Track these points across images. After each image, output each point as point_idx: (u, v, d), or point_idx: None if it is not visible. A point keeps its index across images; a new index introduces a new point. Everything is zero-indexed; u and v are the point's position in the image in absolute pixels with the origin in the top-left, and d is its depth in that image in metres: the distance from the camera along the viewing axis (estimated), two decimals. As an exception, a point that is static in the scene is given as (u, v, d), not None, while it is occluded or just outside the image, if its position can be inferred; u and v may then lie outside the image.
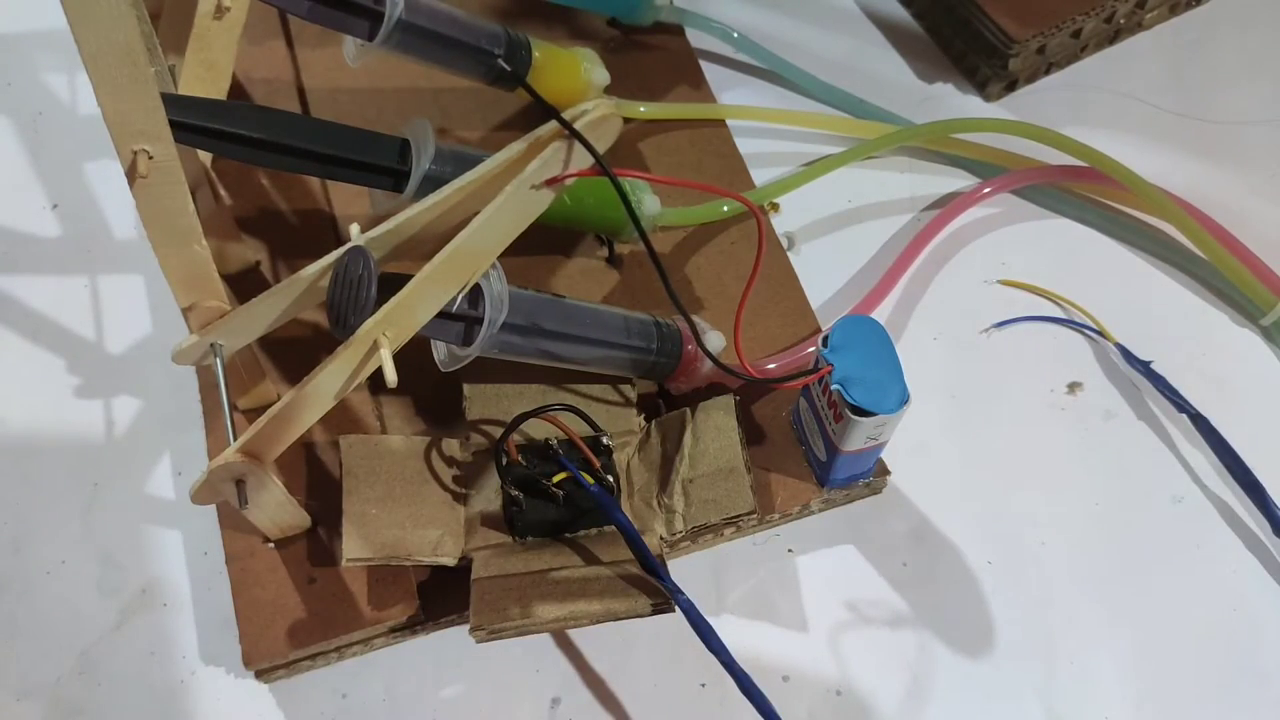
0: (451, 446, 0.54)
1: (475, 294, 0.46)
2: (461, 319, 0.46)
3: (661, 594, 0.48)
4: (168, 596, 0.55)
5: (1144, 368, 0.60)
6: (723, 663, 0.45)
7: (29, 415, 0.59)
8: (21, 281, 0.63)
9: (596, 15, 0.71)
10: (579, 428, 0.51)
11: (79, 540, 0.56)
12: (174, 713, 0.52)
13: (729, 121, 0.69)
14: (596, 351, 0.51)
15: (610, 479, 0.51)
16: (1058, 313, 0.63)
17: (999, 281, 0.64)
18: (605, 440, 0.52)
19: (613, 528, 0.51)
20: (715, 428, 0.53)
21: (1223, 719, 0.52)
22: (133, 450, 0.58)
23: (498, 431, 0.52)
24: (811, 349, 0.58)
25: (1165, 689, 0.53)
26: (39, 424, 0.59)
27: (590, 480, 0.49)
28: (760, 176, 0.66)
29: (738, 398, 0.54)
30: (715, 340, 0.54)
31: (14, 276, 0.63)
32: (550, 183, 0.42)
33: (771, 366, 0.57)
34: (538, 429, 0.52)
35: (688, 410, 0.54)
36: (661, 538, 0.52)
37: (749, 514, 0.51)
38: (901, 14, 0.76)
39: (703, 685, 0.53)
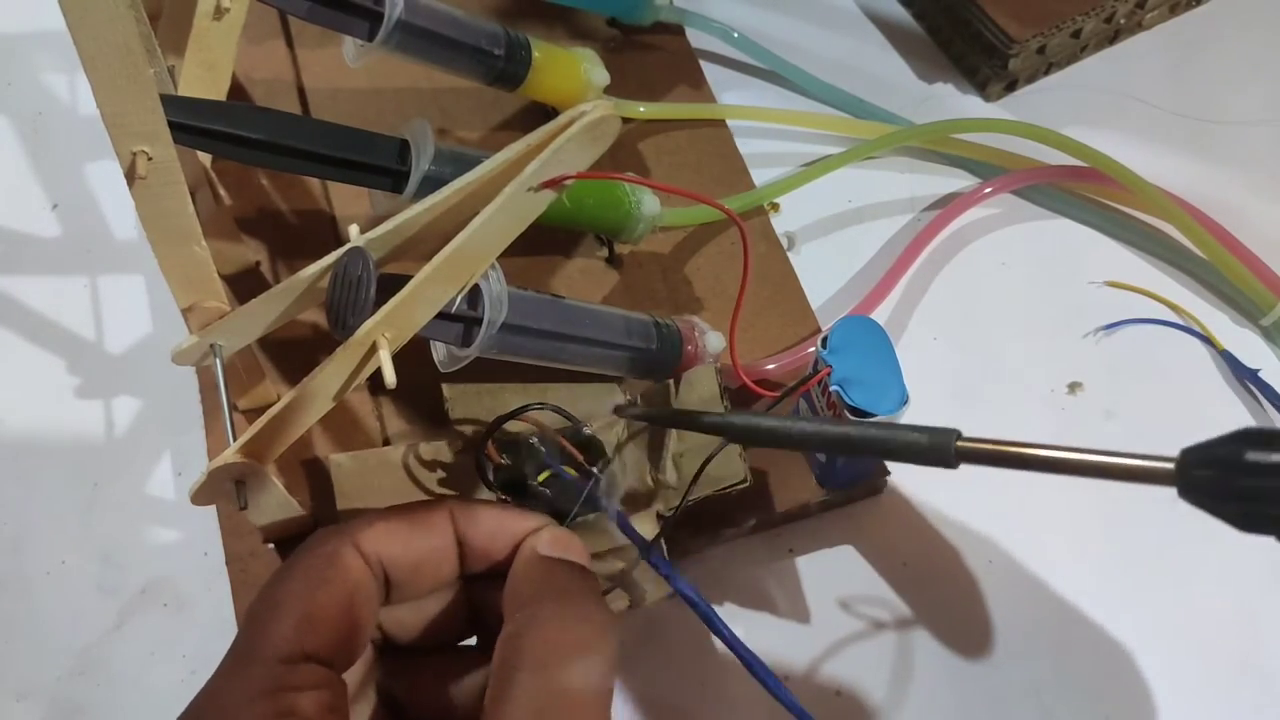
0: (440, 449, 0.53)
1: (474, 295, 0.46)
2: (460, 320, 0.46)
3: (663, 586, 0.48)
4: (167, 596, 0.55)
5: (1252, 375, 0.60)
6: (728, 644, 0.44)
7: (29, 415, 0.59)
8: (21, 281, 0.63)
9: (596, 15, 0.71)
10: (559, 424, 0.51)
11: (79, 540, 0.56)
12: (174, 713, 0.52)
13: (729, 121, 0.68)
14: (596, 352, 0.51)
15: (594, 469, 0.50)
16: (1169, 315, 0.63)
17: (1106, 283, 0.64)
18: (586, 430, 0.52)
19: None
20: (700, 400, 0.52)
21: None
22: (133, 450, 0.58)
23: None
24: (810, 349, 0.58)
25: (1167, 690, 0.53)
26: (39, 424, 0.59)
27: (572, 473, 0.49)
28: (761, 176, 0.66)
29: (719, 365, 0.53)
30: (714, 341, 0.54)
31: (14, 277, 0.63)
32: (547, 185, 0.42)
33: (770, 366, 0.57)
34: (522, 425, 0.52)
35: (670, 382, 0.53)
36: (659, 514, 0.51)
37: (741, 482, 0.50)
38: (901, 14, 0.76)
39: (703, 685, 0.53)
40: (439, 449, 0.53)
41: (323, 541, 0.37)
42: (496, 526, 0.40)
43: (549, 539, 0.40)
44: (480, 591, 0.41)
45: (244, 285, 0.56)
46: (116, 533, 0.56)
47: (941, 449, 0.35)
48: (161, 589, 0.55)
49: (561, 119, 0.43)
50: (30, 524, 0.57)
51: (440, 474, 0.53)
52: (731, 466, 0.51)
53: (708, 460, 0.47)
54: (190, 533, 0.56)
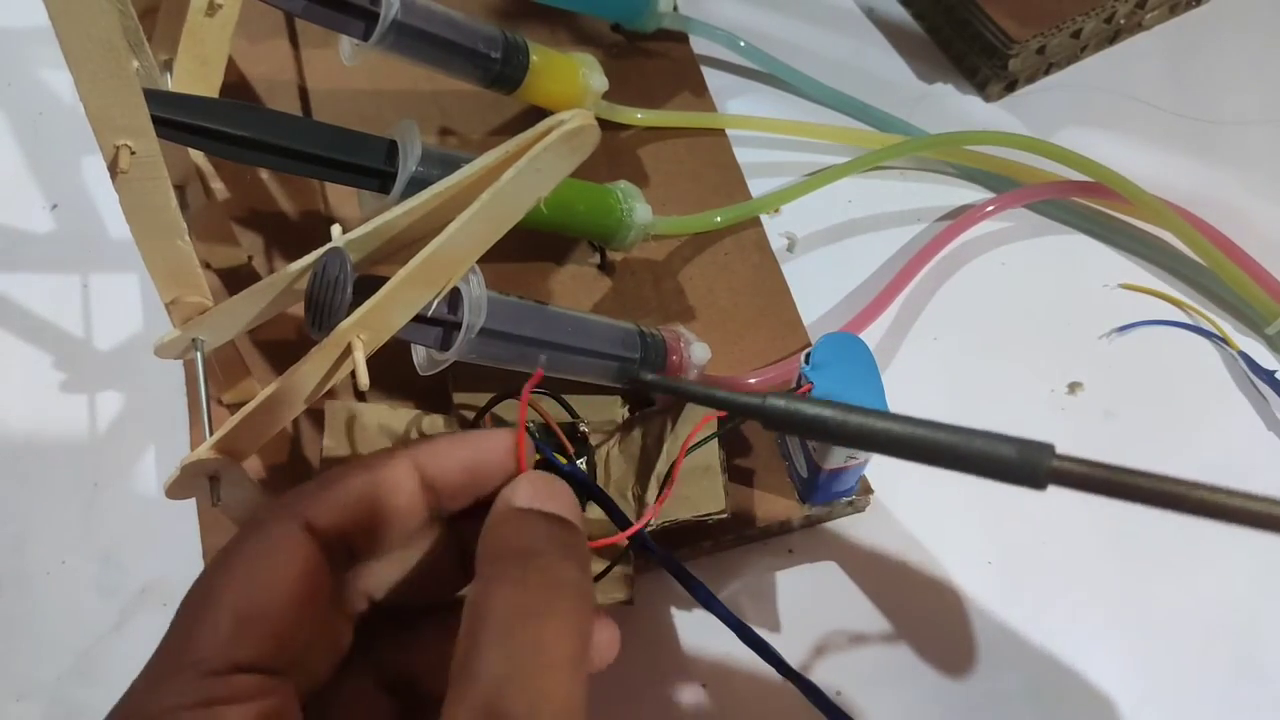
0: (436, 423, 0.53)
1: (454, 298, 0.46)
2: (439, 323, 0.46)
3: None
4: (168, 596, 0.55)
5: (1268, 376, 0.60)
6: (715, 613, 0.43)
7: (29, 415, 0.60)
8: (21, 281, 0.64)
9: (600, 20, 0.71)
10: (560, 416, 0.51)
11: (79, 540, 0.56)
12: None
13: (729, 130, 0.68)
14: (578, 359, 0.51)
15: (581, 463, 0.50)
16: (1180, 317, 0.63)
17: (1120, 285, 0.64)
18: (582, 428, 0.52)
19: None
20: (695, 426, 0.52)
21: (1223, 721, 0.52)
22: (133, 450, 0.59)
23: None
24: (795, 364, 0.58)
25: (1166, 691, 0.53)
26: (39, 424, 0.59)
27: (563, 460, 0.49)
28: (760, 186, 0.66)
29: (702, 374, 0.54)
30: (700, 352, 0.54)
31: (14, 276, 0.64)
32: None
33: (752, 380, 0.57)
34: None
35: (668, 417, 0.53)
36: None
37: (719, 513, 0.50)
38: (901, 14, 0.75)
39: (703, 685, 0.53)
40: (436, 423, 0.53)
41: (263, 523, 0.33)
42: (461, 452, 0.37)
43: (527, 491, 0.36)
44: (469, 531, 0.37)
45: (236, 280, 0.56)
46: (116, 533, 0.56)
47: (1032, 466, 0.32)
48: (161, 589, 0.55)
49: (540, 127, 0.42)
50: (30, 524, 0.57)
51: None
52: (713, 495, 0.51)
53: (671, 471, 0.47)
54: (190, 533, 0.55)
